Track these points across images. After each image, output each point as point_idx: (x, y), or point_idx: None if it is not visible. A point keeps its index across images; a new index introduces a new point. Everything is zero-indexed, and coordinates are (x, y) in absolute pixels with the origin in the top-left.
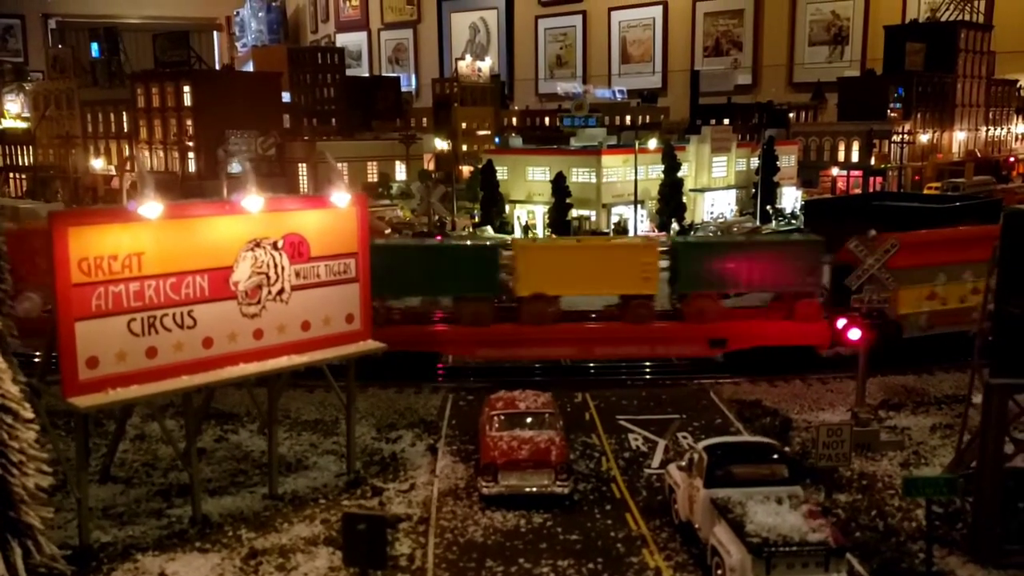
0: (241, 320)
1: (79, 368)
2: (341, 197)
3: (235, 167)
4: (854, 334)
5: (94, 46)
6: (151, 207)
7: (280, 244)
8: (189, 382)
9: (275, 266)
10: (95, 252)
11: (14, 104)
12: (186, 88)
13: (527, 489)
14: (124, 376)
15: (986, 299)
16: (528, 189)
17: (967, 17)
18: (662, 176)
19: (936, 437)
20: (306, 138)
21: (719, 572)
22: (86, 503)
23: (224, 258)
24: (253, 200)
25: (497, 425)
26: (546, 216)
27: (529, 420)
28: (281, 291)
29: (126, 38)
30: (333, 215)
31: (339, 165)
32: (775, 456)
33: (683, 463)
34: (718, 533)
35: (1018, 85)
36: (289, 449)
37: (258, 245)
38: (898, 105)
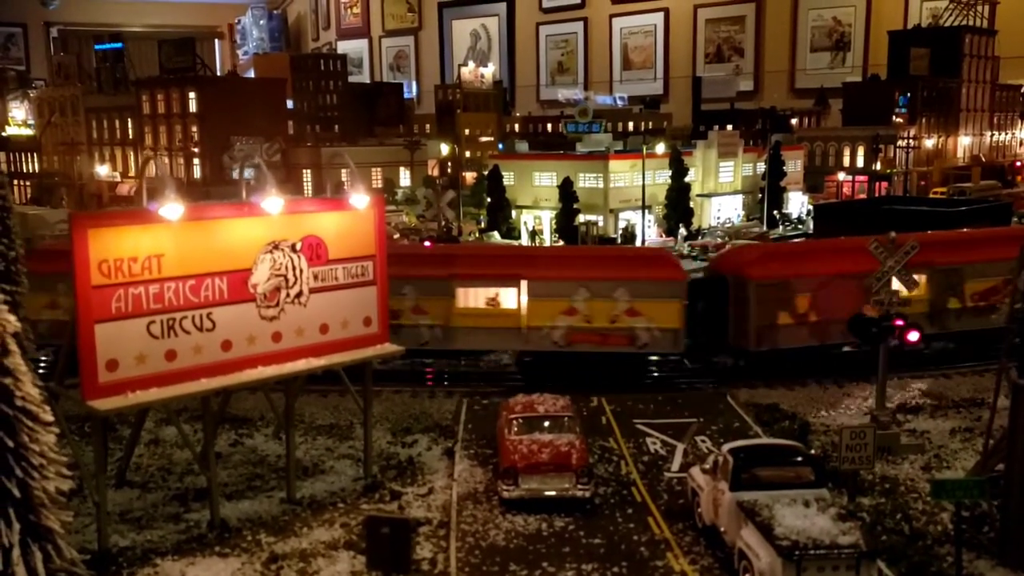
0: (260, 323)
1: (99, 371)
2: (359, 199)
3: (248, 172)
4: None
5: (98, 48)
6: (172, 208)
7: (298, 246)
8: (208, 385)
9: (293, 268)
10: (115, 254)
11: (19, 111)
12: (191, 94)
13: (548, 493)
14: (143, 379)
15: (1013, 299)
16: (535, 194)
17: (970, 22)
18: (669, 181)
19: (956, 440)
20: (310, 144)
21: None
22: (104, 507)
23: (243, 260)
24: (273, 202)
25: (516, 429)
26: (553, 221)
27: (548, 423)
28: (299, 294)
29: (130, 47)
30: (351, 217)
31: (343, 171)
32: (800, 458)
33: (707, 466)
34: (746, 536)
35: (1022, 90)
36: (305, 453)
37: (276, 247)
38: (903, 110)
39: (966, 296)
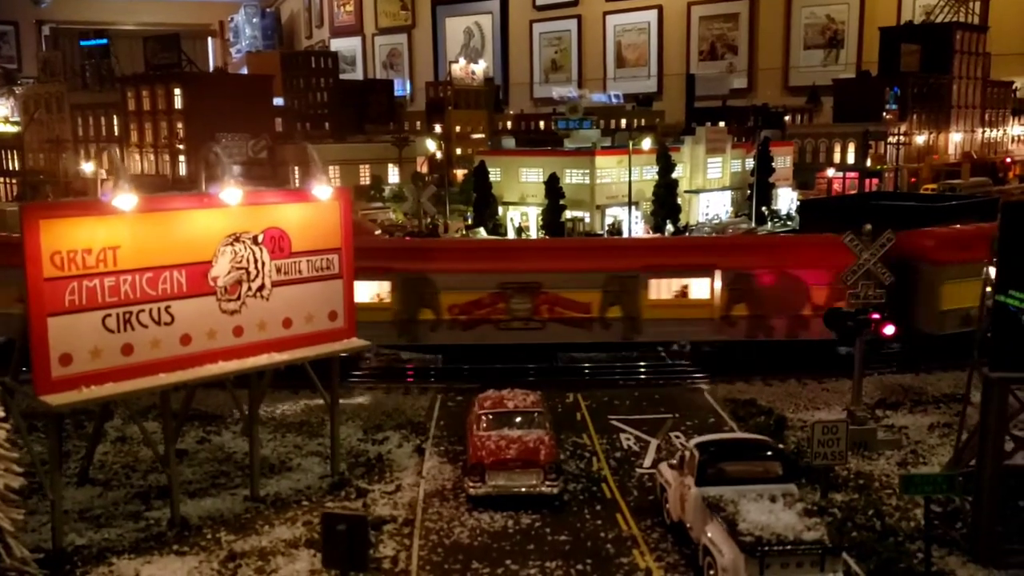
0: (220, 317)
1: (52, 365)
2: (322, 190)
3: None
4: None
5: (85, 43)
6: (125, 199)
7: (260, 238)
8: (166, 380)
9: (255, 261)
10: (68, 245)
11: (3, 108)
12: (176, 91)
13: (515, 489)
14: (99, 374)
15: (984, 294)
16: (521, 191)
17: (962, 19)
18: (657, 177)
19: (934, 436)
20: (298, 142)
21: (711, 572)
22: (59, 505)
23: (202, 253)
24: (231, 193)
25: (485, 424)
26: (540, 218)
27: (518, 419)
28: (261, 287)
29: (121, 45)
30: (315, 209)
31: (331, 168)
32: (768, 453)
33: (674, 461)
34: (710, 532)
35: (1014, 87)
36: (273, 451)
37: (237, 239)
38: (894, 106)
39: (442, 308)
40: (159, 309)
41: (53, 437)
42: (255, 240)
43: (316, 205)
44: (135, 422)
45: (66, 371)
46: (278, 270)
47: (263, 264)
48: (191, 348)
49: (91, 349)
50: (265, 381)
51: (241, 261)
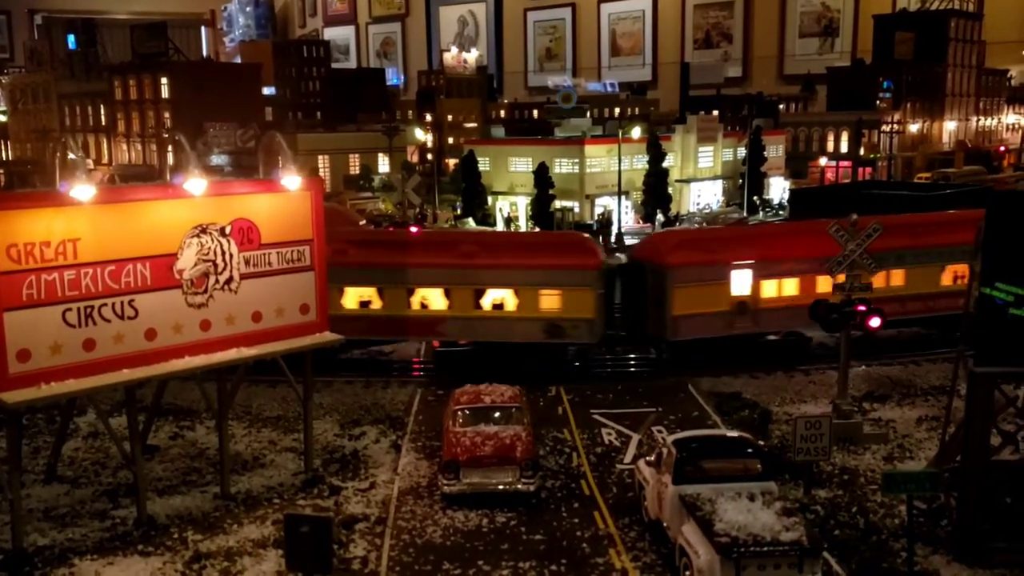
0: (187, 310)
1: (9, 362)
2: (291, 180)
3: (214, 159)
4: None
5: (70, 38)
6: (83, 189)
7: (228, 230)
8: (130, 376)
9: (223, 253)
10: (25, 238)
11: None
12: (163, 80)
13: (490, 487)
14: (59, 370)
15: (971, 285)
16: (510, 180)
17: (957, 6)
18: (647, 166)
19: (922, 430)
20: (288, 132)
21: (687, 573)
22: (19, 504)
23: (167, 245)
24: (196, 183)
25: (461, 420)
26: (529, 208)
27: (495, 415)
28: (229, 280)
29: (112, 34)
30: (284, 199)
31: (320, 157)
32: (748, 450)
33: (652, 458)
34: (686, 532)
35: (1008, 75)
36: (247, 447)
37: (204, 231)
38: (887, 95)
39: None
40: (122, 303)
41: (12, 435)
42: (222, 231)
43: (286, 195)
44: (101, 419)
45: (24, 367)
46: (247, 262)
47: (231, 256)
48: (156, 343)
49: (51, 344)
50: (237, 376)
51: (208, 253)
